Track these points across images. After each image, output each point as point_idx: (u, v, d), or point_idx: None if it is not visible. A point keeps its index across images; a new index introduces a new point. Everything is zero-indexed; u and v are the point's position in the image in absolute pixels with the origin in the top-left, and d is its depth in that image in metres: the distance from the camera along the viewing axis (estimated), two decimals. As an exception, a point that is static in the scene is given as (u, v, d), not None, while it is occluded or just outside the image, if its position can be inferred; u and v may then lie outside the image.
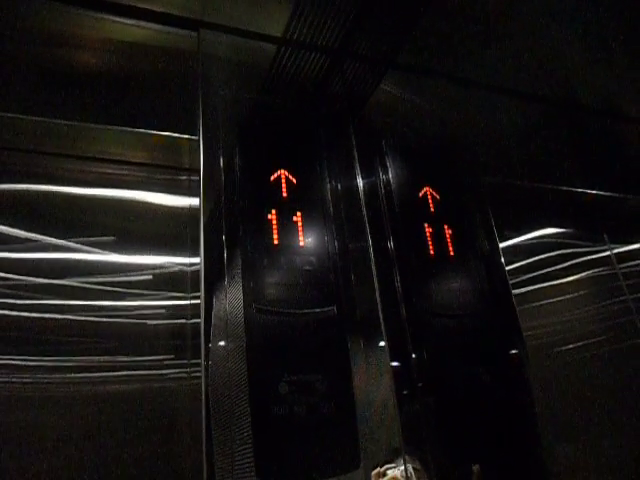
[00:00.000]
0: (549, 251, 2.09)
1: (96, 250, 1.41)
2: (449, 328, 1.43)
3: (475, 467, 1.33)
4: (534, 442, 1.44)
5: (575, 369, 1.89)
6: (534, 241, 2.08)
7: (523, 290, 1.94)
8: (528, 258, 2.02)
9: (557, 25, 1.86)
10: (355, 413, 1.21)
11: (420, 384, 1.37)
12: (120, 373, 1.30)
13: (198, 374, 1.23)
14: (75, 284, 1.36)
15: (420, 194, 1.58)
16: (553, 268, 2.06)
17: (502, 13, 1.79)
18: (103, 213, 1.46)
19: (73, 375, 1.26)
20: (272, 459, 1.11)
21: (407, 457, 1.27)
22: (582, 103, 2.30)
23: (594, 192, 2.14)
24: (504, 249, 1.85)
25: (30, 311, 1.29)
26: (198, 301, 1.28)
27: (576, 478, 1.68)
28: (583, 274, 2.13)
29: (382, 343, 1.38)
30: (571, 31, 1.91)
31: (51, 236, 1.38)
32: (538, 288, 1.99)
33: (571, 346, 1.94)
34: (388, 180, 1.57)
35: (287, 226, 1.34)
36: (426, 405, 1.35)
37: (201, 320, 1.25)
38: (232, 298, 1.28)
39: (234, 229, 1.32)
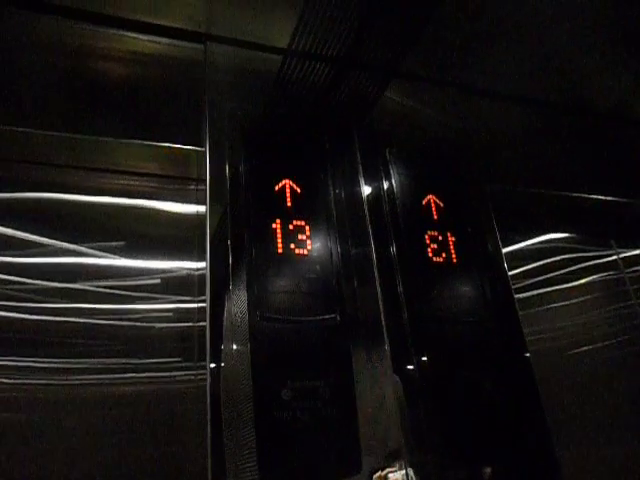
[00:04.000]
0: (555, 256, 2.08)
1: (107, 255, 1.45)
2: (452, 334, 1.44)
3: (486, 470, 1.35)
4: (542, 446, 1.45)
5: (581, 374, 1.89)
6: (540, 246, 2.08)
7: (529, 294, 1.94)
8: (534, 262, 2.02)
9: (564, 28, 1.85)
10: (357, 419, 1.23)
11: (422, 390, 1.38)
12: (128, 375, 1.34)
13: (204, 377, 1.25)
14: (86, 288, 1.39)
15: (424, 202, 1.59)
16: (559, 272, 2.06)
17: (507, 19, 1.79)
18: (114, 219, 1.50)
19: (82, 377, 1.30)
20: (274, 463, 1.14)
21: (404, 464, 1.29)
22: (588, 106, 2.29)
23: (600, 197, 2.13)
24: (509, 253, 1.86)
25: (42, 314, 1.33)
26: (204, 305, 1.31)
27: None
28: (589, 279, 2.13)
29: (385, 349, 1.40)
30: (578, 34, 1.90)
31: (63, 241, 1.41)
32: (544, 292, 1.99)
33: (577, 351, 1.94)
34: (392, 188, 1.58)
35: (291, 235, 1.37)
36: (428, 411, 1.37)
37: (206, 323, 1.28)
38: (237, 305, 1.30)
39: (239, 237, 1.34)
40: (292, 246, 1.35)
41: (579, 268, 2.12)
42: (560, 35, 1.87)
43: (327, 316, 1.31)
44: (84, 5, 1.54)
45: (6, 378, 1.24)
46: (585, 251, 2.17)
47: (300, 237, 1.37)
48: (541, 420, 1.47)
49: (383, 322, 1.40)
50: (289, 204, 1.41)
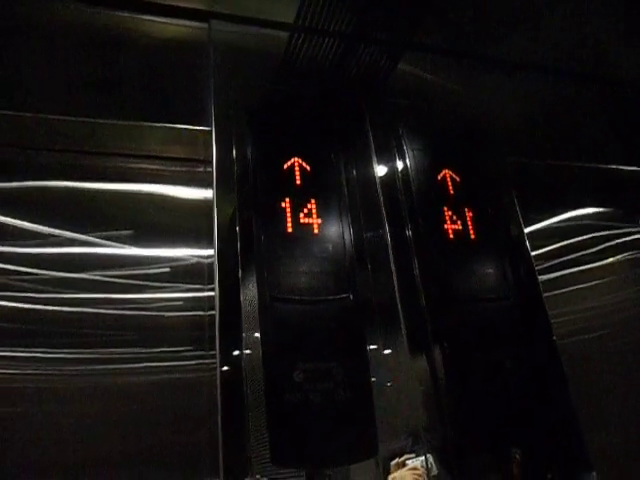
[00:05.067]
0: (580, 234, 2.01)
1: (115, 244, 1.42)
2: (470, 313, 1.40)
3: (515, 452, 1.30)
4: (569, 431, 1.39)
5: (607, 356, 1.82)
6: (563, 224, 2.01)
7: (553, 275, 1.87)
8: (558, 242, 1.95)
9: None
10: (372, 401, 1.19)
11: (442, 372, 1.33)
12: (139, 365, 1.31)
13: (215, 365, 1.22)
14: (95, 277, 1.37)
15: (439, 177, 1.54)
16: (584, 252, 1.98)
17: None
18: (121, 207, 1.48)
19: (94, 367, 1.28)
20: (287, 446, 1.10)
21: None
22: (618, 76, 2.20)
23: (627, 169, 2.05)
24: (532, 232, 1.79)
25: (52, 304, 1.31)
26: (214, 293, 1.28)
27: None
28: (616, 257, 2.05)
29: (401, 332, 1.35)
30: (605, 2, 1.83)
31: (72, 231, 1.39)
32: (569, 273, 1.91)
33: (604, 332, 1.86)
34: (405, 164, 1.54)
35: (301, 214, 1.33)
36: (449, 394, 1.32)
37: (216, 312, 1.24)
38: (248, 287, 1.27)
39: (248, 219, 1.31)
40: (302, 225, 1.32)
41: (605, 247, 2.04)
42: (585, 2, 1.80)
43: (339, 296, 1.26)
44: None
45: (16, 369, 1.22)
46: (611, 228, 2.09)
47: (311, 216, 1.34)
48: (566, 401, 1.42)
49: (398, 302, 1.36)
50: (298, 182, 1.37)
